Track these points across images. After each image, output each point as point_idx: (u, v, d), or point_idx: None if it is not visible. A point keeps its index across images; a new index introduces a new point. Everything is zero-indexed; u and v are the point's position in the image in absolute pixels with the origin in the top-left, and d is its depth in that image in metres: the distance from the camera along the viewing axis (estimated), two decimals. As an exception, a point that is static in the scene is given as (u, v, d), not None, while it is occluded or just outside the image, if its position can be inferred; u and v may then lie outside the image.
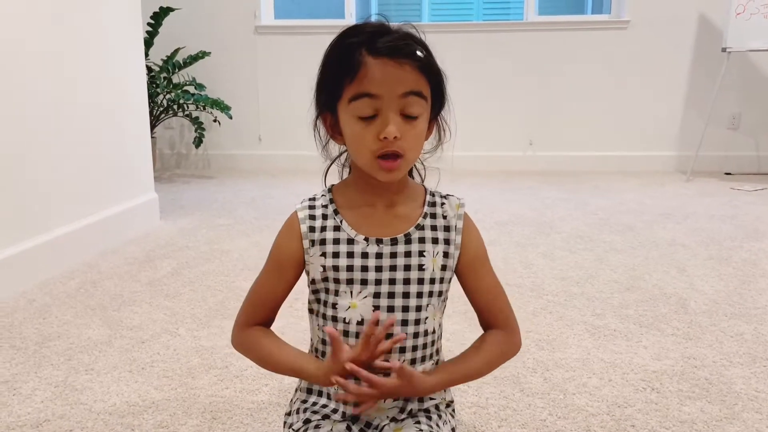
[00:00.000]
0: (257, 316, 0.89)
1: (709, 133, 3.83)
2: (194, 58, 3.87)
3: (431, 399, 0.91)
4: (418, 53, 0.79)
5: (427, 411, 0.90)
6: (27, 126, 1.92)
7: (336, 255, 0.84)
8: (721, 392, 1.26)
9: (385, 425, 0.88)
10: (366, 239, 0.84)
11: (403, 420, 0.88)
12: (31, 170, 1.94)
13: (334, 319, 0.85)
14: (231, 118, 3.91)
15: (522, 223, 2.70)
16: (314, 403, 0.92)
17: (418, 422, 0.87)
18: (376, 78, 0.76)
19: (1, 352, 1.47)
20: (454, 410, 0.98)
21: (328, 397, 0.90)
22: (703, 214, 2.83)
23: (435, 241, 0.85)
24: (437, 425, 0.88)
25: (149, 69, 3.56)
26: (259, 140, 4.29)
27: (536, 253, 2.24)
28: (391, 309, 0.84)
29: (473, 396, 1.24)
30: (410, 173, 0.92)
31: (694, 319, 1.63)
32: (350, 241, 0.84)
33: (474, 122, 4.09)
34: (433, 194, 0.89)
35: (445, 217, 0.87)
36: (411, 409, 0.89)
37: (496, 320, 0.90)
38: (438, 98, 0.83)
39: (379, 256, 0.84)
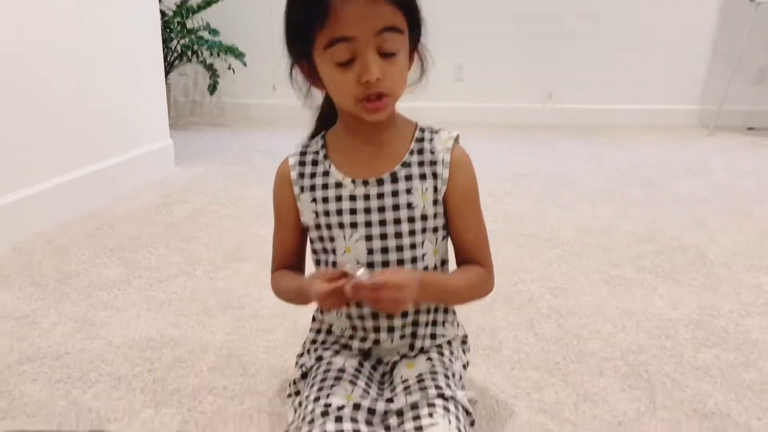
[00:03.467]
0: (282, 263, 0.93)
1: (734, 86, 3.72)
2: (208, 3, 3.79)
3: (443, 336, 0.91)
4: None
5: (439, 347, 0.91)
6: (45, 71, 1.90)
7: (325, 200, 0.84)
8: (738, 341, 1.25)
9: (396, 361, 0.89)
10: (353, 182, 0.83)
11: (415, 356, 0.89)
12: (48, 113, 1.93)
13: (334, 264, 0.86)
14: (245, 65, 3.85)
15: (540, 176, 2.66)
16: (324, 341, 0.93)
17: (430, 358, 0.88)
18: (348, 19, 0.71)
19: (21, 288, 1.50)
20: (468, 347, 0.98)
21: (348, 336, 0.90)
22: (725, 169, 2.78)
23: (423, 177, 0.83)
24: (449, 360, 0.88)
25: (162, 13, 3.50)
26: (273, 89, 4.24)
27: (554, 205, 2.21)
28: (385, 250, 0.83)
29: (487, 339, 1.25)
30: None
31: (711, 271, 1.61)
32: (338, 185, 0.84)
33: (490, 72, 4.01)
34: (423, 130, 0.86)
35: (432, 152, 0.84)
36: (422, 347, 0.89)
37: (473, 260, 0.87)
38: (414, 28, 0.79)
39: (366, 197, 0.83)
